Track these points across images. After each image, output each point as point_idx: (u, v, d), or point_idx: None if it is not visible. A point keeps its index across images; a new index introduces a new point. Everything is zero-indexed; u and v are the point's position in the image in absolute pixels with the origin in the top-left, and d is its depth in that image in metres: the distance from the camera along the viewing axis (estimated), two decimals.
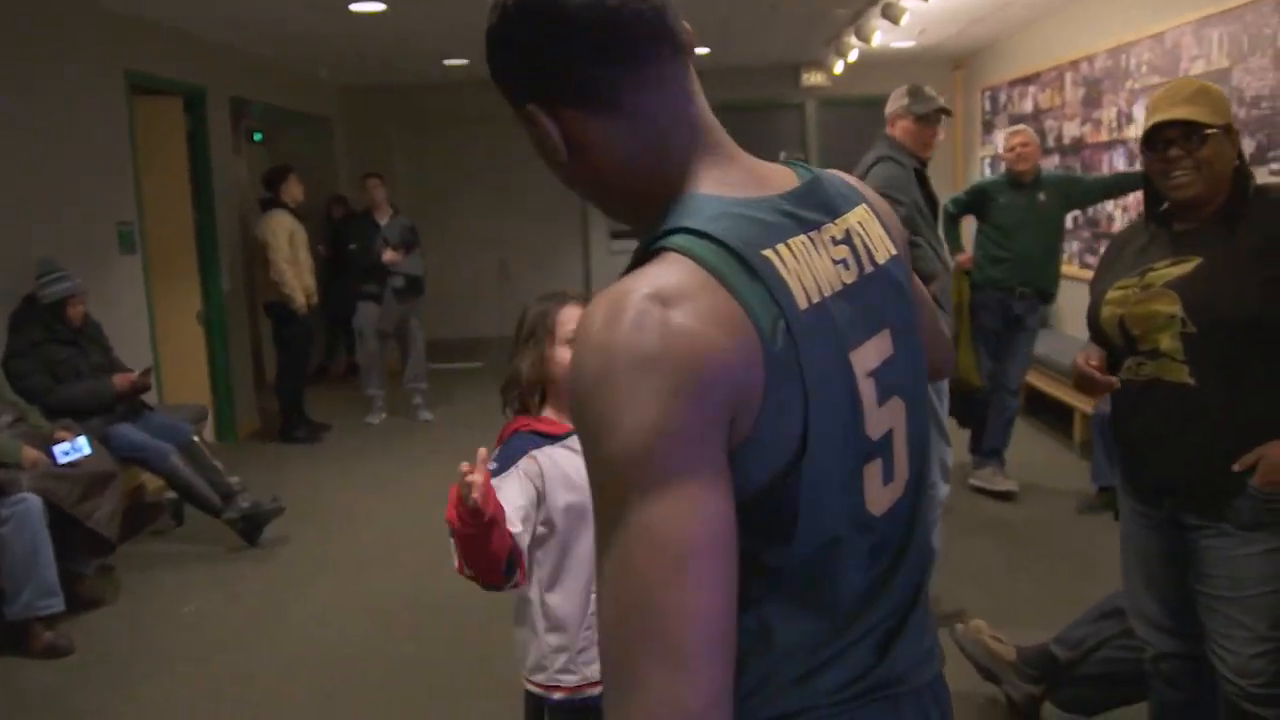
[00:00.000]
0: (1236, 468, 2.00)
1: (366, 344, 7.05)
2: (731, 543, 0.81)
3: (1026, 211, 4.86)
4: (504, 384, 1.87)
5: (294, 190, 6.53)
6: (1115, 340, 2.18)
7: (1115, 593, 2.70)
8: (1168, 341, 2.06)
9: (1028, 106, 7.43)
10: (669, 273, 0.85)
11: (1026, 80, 7.43)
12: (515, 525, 1.68)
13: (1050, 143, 6.92)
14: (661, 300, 0.82)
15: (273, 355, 7.27)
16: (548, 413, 1.83)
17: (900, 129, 3.39)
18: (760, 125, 9.09)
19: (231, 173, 7.23)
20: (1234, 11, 4.74)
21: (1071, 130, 6.65)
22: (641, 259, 0.90)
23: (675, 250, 0.87)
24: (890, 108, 3.47)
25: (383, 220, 6.98)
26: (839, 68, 7.78)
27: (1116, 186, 5.03)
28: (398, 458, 6.28)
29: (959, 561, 3.90)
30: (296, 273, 6.44)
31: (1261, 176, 4.55)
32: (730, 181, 0.95)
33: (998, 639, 2.99)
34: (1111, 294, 2.18)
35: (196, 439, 4.83)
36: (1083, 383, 2.20)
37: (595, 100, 0.93)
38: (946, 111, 3.45)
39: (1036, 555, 4.20)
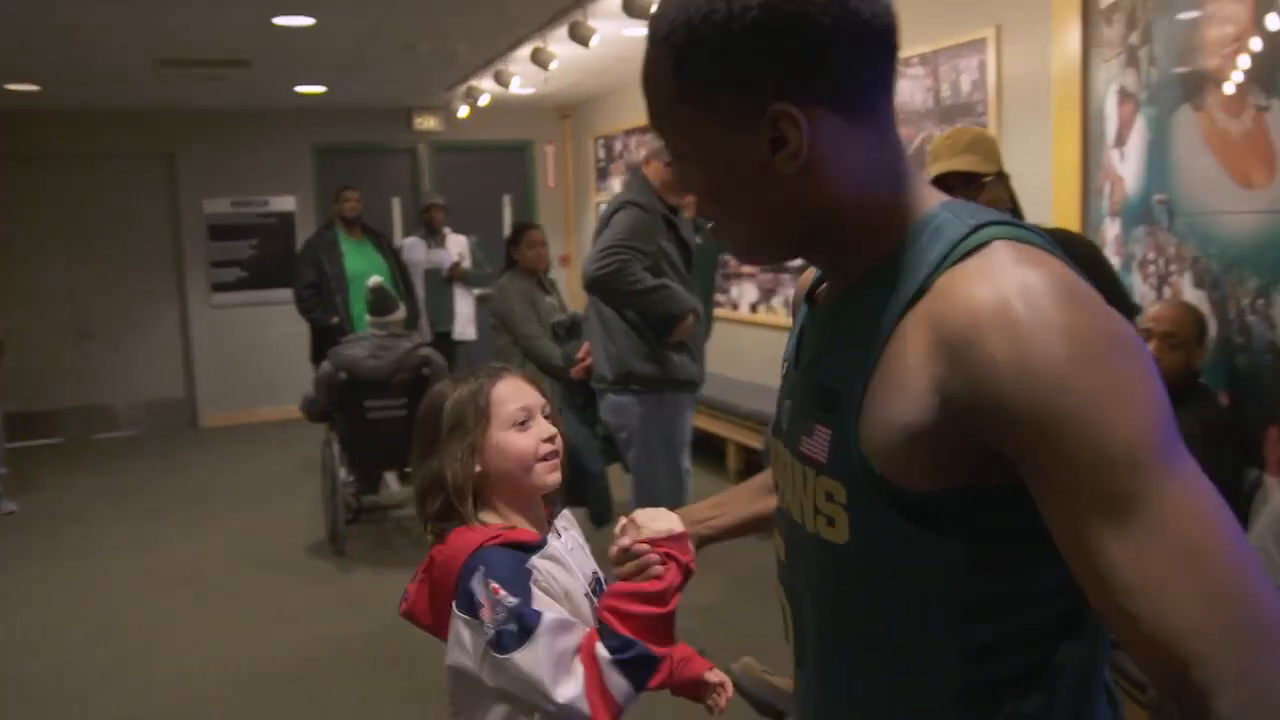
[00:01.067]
0: None
1: None
2: None
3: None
4: (420, 492, 1.45)
5: None
6: None
7: None
8: None
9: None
10: (1044, 257, 0.77)
11: (644, 129, 7.85)
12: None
13: None
14: (1080, 283, 0.75)
15: None
16: (487, 516, 1.44)
17: (652, 169, 3.37)
18: (371, 169, 8.76)
19: None
20: None
21: None
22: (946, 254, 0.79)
23: (1016, 240, 0.79)
24: (646, 148, 3.45)
25: None
26: (462, 112, 7.70)
27: None
28: None
29: (689, 600, 3.92)
30: None
31: None
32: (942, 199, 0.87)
33: (768, 672, 3.04)
34: None
35: None
36: None
37: (855, 98, 0.81)
38: None
39: (760, 588, 4.35)
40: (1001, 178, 2.30)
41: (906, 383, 0.77)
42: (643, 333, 3.33)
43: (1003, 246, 0.78)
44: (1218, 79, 2.74)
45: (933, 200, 0.85)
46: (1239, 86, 2.65)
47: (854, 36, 0.79)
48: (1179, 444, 0.71)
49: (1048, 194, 3.92)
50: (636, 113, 7.93)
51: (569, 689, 1.25)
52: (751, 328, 6.60)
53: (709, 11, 0.78)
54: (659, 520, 1.27)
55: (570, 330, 4.51)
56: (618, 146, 8.36)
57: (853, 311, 0.86)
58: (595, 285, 3.21)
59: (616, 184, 8.43)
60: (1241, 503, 2.56)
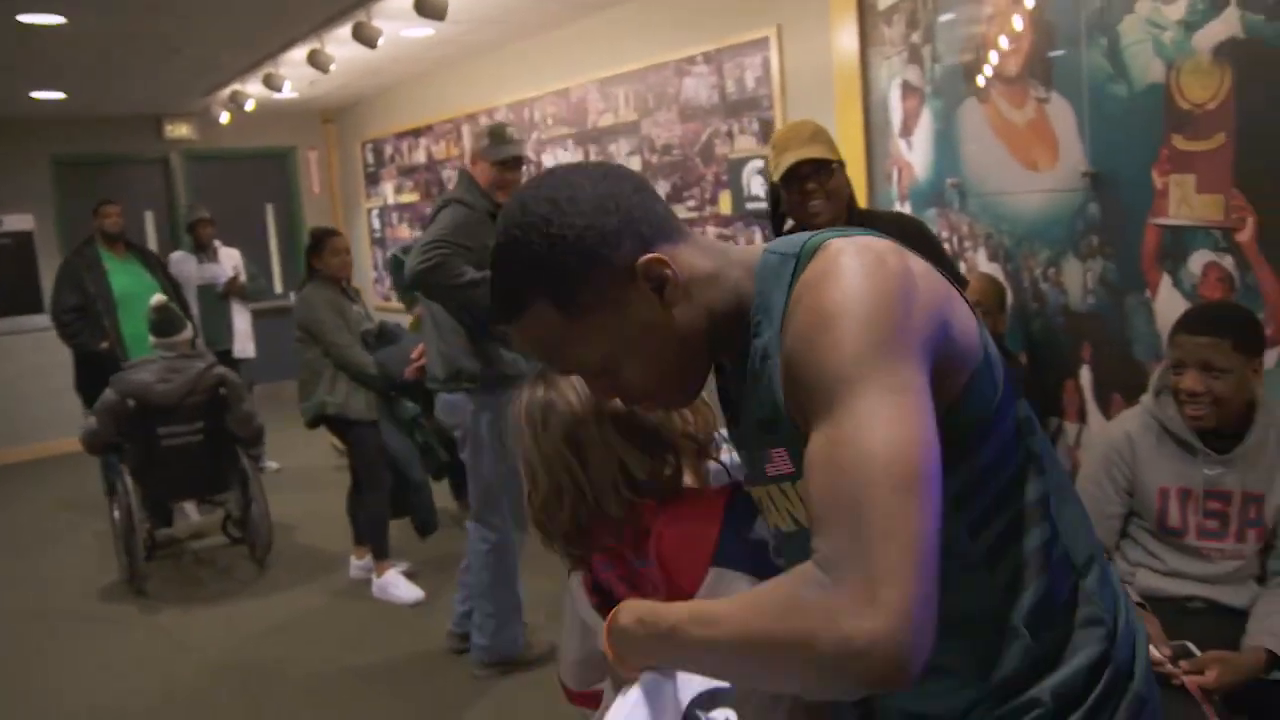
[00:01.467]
0: None
1: None
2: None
3: None
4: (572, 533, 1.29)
5: None
6: None
7: None
8: None
9: (420, 158, 7.72)
10: (871, 241, 0.96)
11: (418, 132, 7.71)
12: None
13: None
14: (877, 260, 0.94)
15: None
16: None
17: (479, 169, 3.34)
18: (120, 181, 8.12)
19: None
20: (637, 73, 5.47)
21: None
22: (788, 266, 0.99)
23: (843, 236, 0.98)
24: (472, 147, 3.41)
25: None
26: (224, 118, 7.29)
27: None
28: None
29: (533, 601, 3.94)
30: None
31: (680, 213, 5.33)
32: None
33: None
34: None
35: None
36: None
37: (669, 229, 1.03)
38: (524, 158, 3.47)
39: None
40: (842, 165, 2.48)
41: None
42: (472, 331, 3.32)
43: (836, 242, 0.96)
44: (1000, 74, 3.05)
45: (749, 252, 1.06)
46: (1020, 80, 2.97)
47: (637, 199, 1.02)
48: (899, 378, 0.85)
49: None
50: (408, 115, 7.79)
51: None
52: None
53: (538, 253, 0.98)
54: None
55: (380, 337, 4.40)
56: (388, 150, 8.17)
57: (752, 363, 1.02)
58: (417, 280, 3.17)
59: (389, 189, 8.24)
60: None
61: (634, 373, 1.02)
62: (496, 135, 3.33)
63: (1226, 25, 2.34)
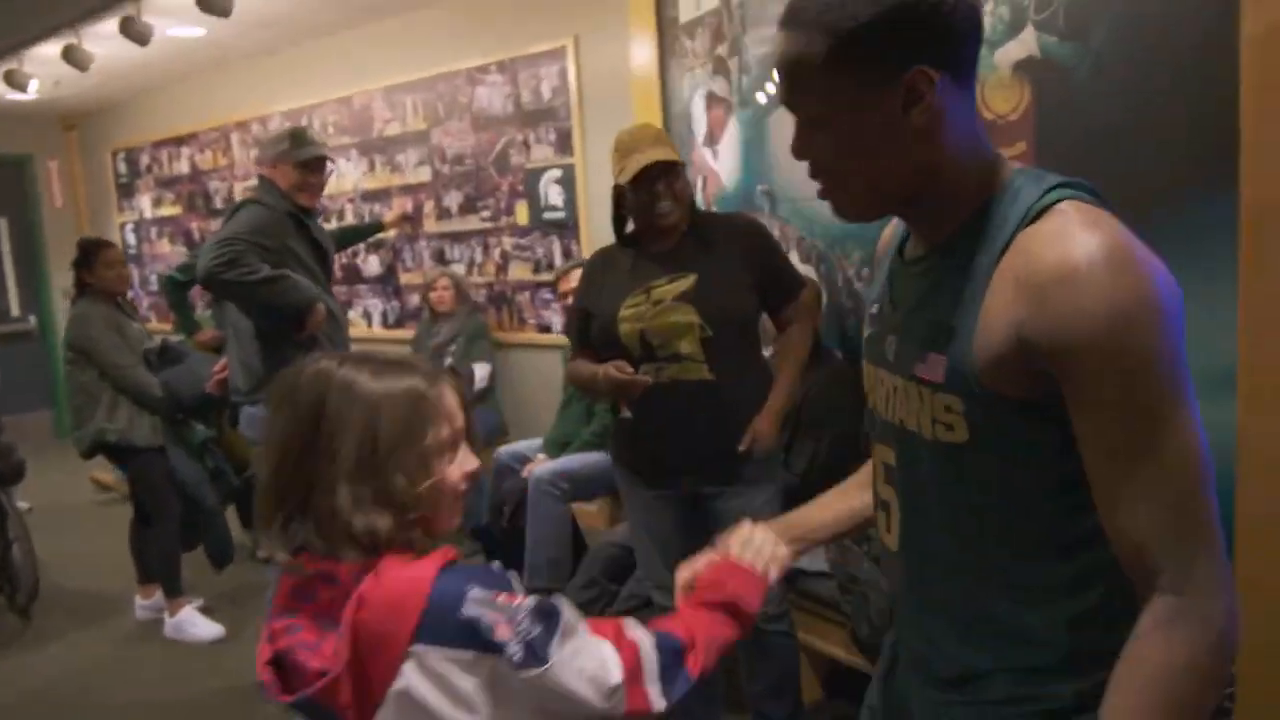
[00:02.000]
0: (741, 448, 2.46)
1: None
2: None
3: None
4: (362, 524, 1.08)
5: None
6: (634, 350, 2.46)
7: (587, 563, 3.10)
8: (688, 346, 2.42)
9: (183, 168, 7.22)
10: (1102, 217, 0.97)
11: (180, 141, 7.20)
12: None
13: (219, 203, 6.86)
14: (1130, 245, 0.95)
15: None
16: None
17: (280, 172, 3.17)
18: None
19: None
20: (425, 81, 5.36)
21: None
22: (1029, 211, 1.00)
23: (1079, 201, 0.99)
24: (268, 153, 3.22)
25: None
26: None
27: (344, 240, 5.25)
28: None
29: None
30: None
31: (473, 224, 5.28)
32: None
33: None
34: (625, 312, 2.46)
35: None
36: (621, 387, 2.42)
37: (967, 69, 1.02)
38: (327, 159, 3.32)
39: None
40: (684, 167, 2.55)
41: (997, 323, 0.98)
42: (270, 337, 3.16)
43: (1070, 208, 0.97)
44: None
45: (1010, 167, 1.06)
46: None
47: (969, 18, 1.00)
48: (1185, 396, 0.93)
49: None
50: (168, 122, 7.26)
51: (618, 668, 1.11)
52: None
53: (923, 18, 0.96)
54: (749, 547, 1.30)
55: (164, 357, 4.08)
56: (144, 160, 7.58)
57: (947, 264, 1.06)
58: (209, 278, 2.99)
59: (146, 202, 7.66)
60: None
61: (833, 156, 1.04)
62: (298, 138, 3.24)
63: (1024, 45, 2.58)
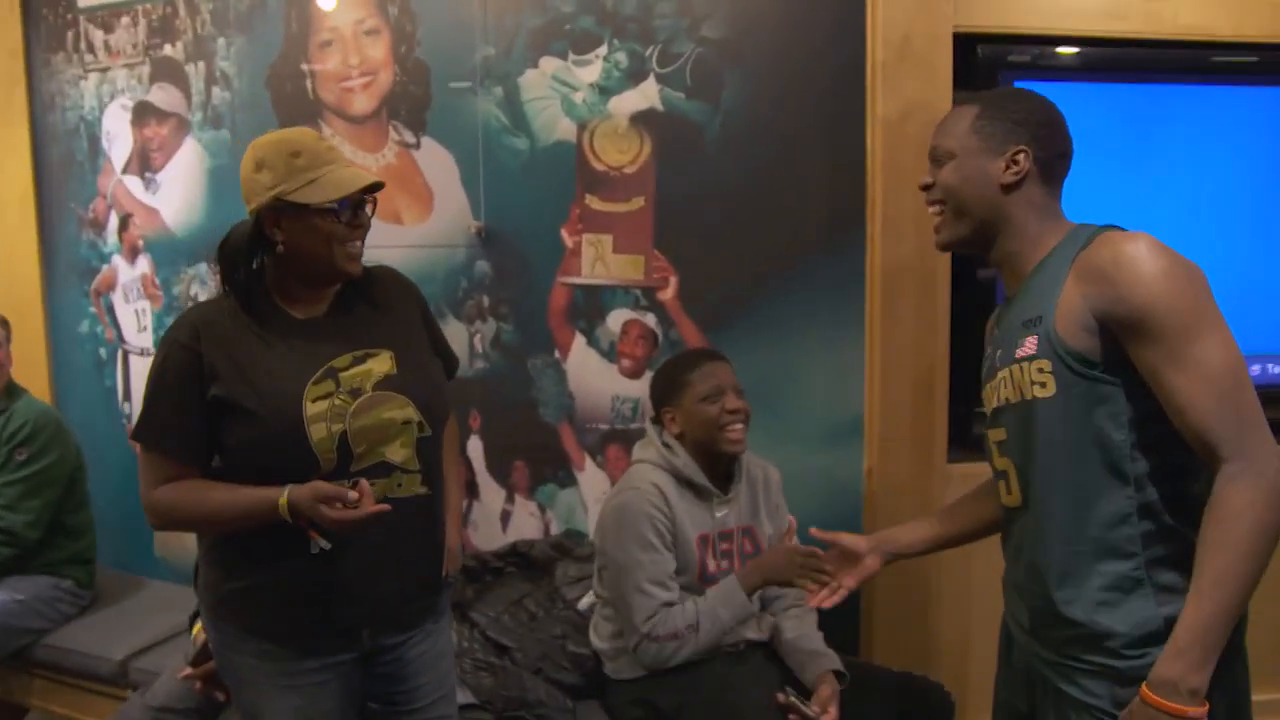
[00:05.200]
0: (445, 573, 1.91)
1: None
2: None
3: None
4: None
5: None
6: (324, 463, 1.68)
7: None
8: (400, 452, 1.74)
9: None
10: (1138, 234, 1.38)
11: None
12: None
13: None
14: (1161, 243, 1.38)
15: None
16: None
17: None
18: None
19: None
20: None
21: None
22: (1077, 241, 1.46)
23: (1116, 228, 1.46)
24: None
25: None
26: None
27: None
28: None
29: None
30: None
31: None
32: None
33: None
34: (314, 408, 1.68)
35: None
36: (356, 519, 1.64)
37: (1050, 174, 1.53)
38: None
39: None
40: None
41: (1069, 303, 1.40)
42: None
43: (1113, 232, 1.42)
44: (342, 112, 2.66)
45: (1068, 227, 1.50)
46: (375, 121, 2.64)
47: (1063, 150, 1.54)
48: (1216, 322, 1.32)
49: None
50: None
51: None
52: None
53: (1013, 98, 1.55)
54: None
55: None
56: None
57: (1027, 289, 1.49)
58: None
59: None
60: None
61: (949, 190, 1.54)
62: None
63: (645, 96, 2.48)
